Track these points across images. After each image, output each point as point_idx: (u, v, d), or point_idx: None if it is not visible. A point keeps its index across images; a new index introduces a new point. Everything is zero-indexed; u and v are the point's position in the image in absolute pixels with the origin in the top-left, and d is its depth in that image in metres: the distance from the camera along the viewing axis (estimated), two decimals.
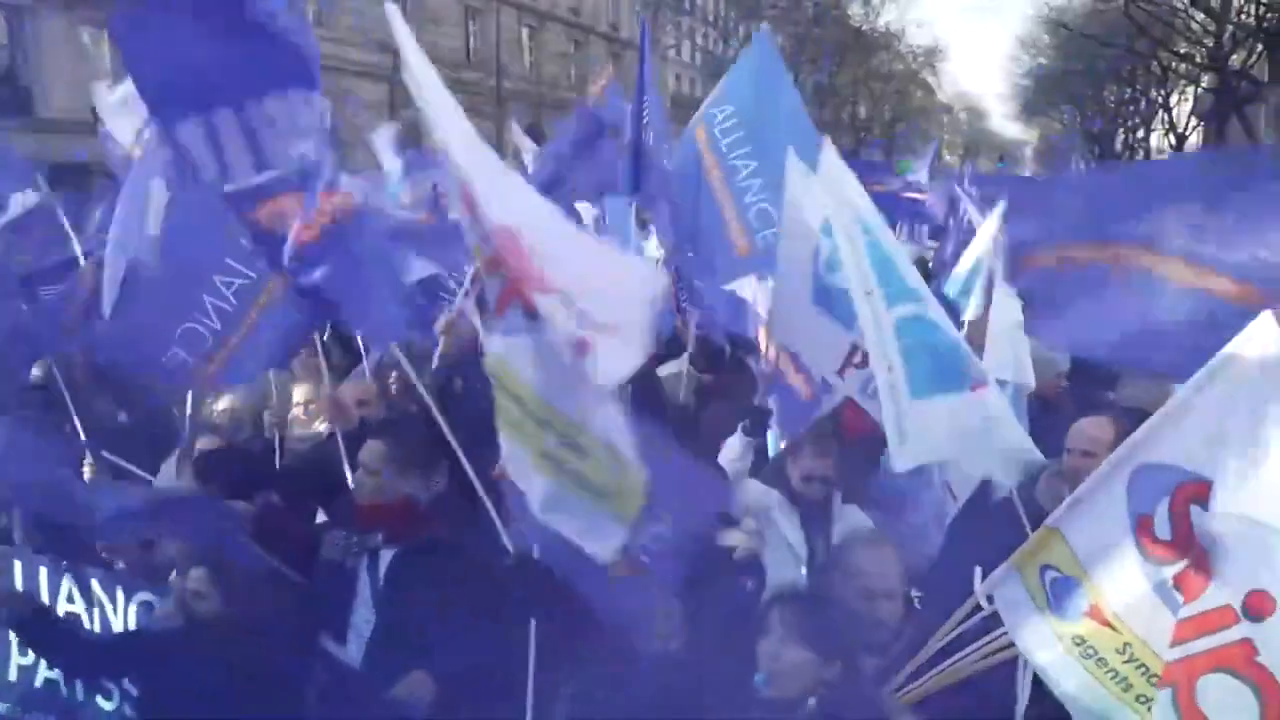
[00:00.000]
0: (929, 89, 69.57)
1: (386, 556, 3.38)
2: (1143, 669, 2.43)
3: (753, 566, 3.59)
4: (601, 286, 2.47)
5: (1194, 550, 2.28)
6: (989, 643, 2.80)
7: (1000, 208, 8.09)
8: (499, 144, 31.89)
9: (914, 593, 3.44)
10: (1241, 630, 2.18)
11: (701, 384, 6.22)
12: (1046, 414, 5.35)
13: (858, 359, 3.74)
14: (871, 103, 57.47)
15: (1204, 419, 2.36)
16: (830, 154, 3.91)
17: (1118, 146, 50.95)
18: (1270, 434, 2.20)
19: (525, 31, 38.26)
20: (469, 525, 3.43)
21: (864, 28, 49.57)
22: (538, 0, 38.55)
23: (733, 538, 3.61)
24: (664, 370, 6.07)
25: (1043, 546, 2.66)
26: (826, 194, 3.68)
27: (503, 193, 2.68)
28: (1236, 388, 2.30)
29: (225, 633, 3.09)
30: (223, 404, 5.16)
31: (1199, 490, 2.32)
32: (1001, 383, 5.05)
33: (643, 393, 4.95)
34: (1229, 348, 2.35)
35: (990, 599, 2.79)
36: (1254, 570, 2.18)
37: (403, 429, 3.96)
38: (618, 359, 2.61)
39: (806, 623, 2.74)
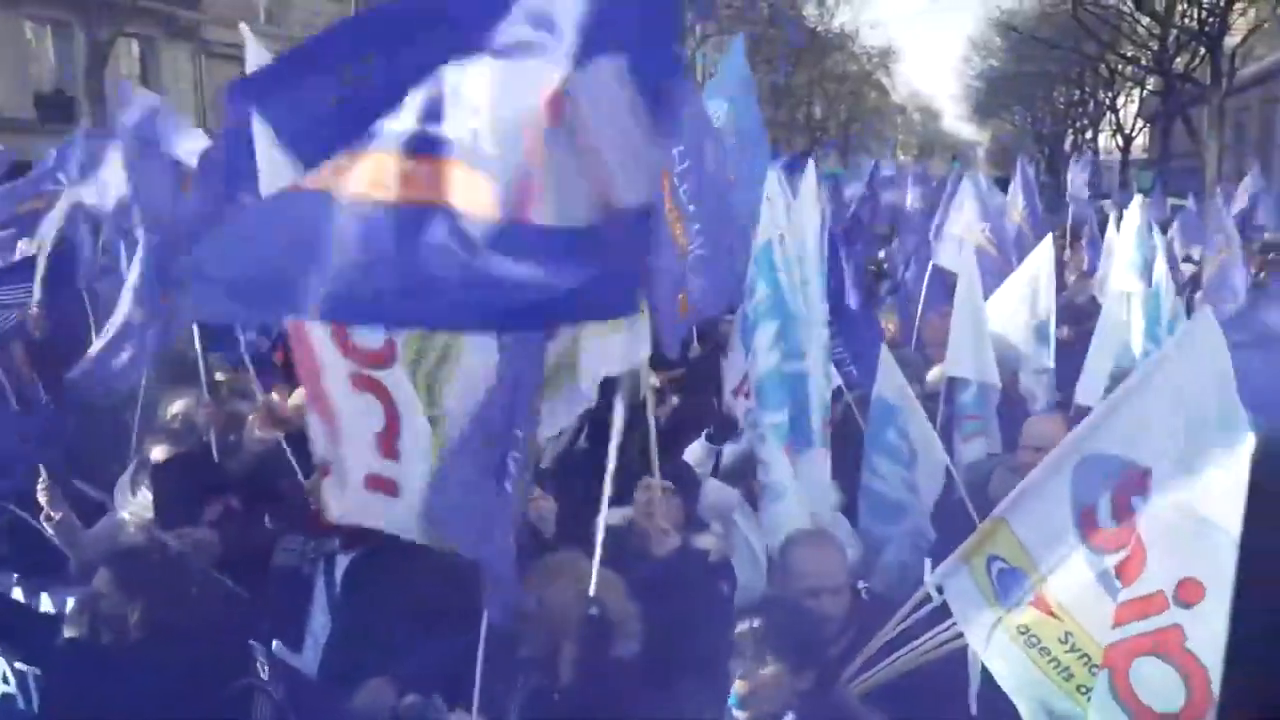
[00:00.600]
0: (883, 90, 70.22)
1: (343, 561, 3.34)
2: (1084, 658, 2.47)
3: (726, 569, 3.59)
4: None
5: (1134, 539, 2.33)
6: (939, 633, 2.83)
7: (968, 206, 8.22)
8: None
9: (861, 584, 3.48)
10: (1172, 616, 2.22)
11: (662, 380, 6.23)
12: (1001, 410, 5.44)
13: (747, 388, 4.04)
14: (827, 103, 57.90)
15: (1145, 411, 2.42)
16: (810, 179, 4.21)
17: (1067, 147, 51.86)
18: (1206, 426, 2.24)
19: None
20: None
21: (819, 29, 49.91)
22: None
23: (705, 541, 3.63)
24: None
25: (990, 538, 2.70)
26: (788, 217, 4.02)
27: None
28: (1176, 380, 2.35)
29: (146, 638, 2.97)
30: (175, 408, 5.05)
31: (1141, 480, 2.37)
32: (964, 382, 5.16)
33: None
34: (1170, 342, 2.42)
35: (940, 590, 2.83)
36: (1186, 558, 2.22)
37: None
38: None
39: (775, 638, 2.70)
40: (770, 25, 46.02)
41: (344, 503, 2.97)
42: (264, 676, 2.85)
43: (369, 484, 2.97)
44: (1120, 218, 9.05)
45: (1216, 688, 2.10)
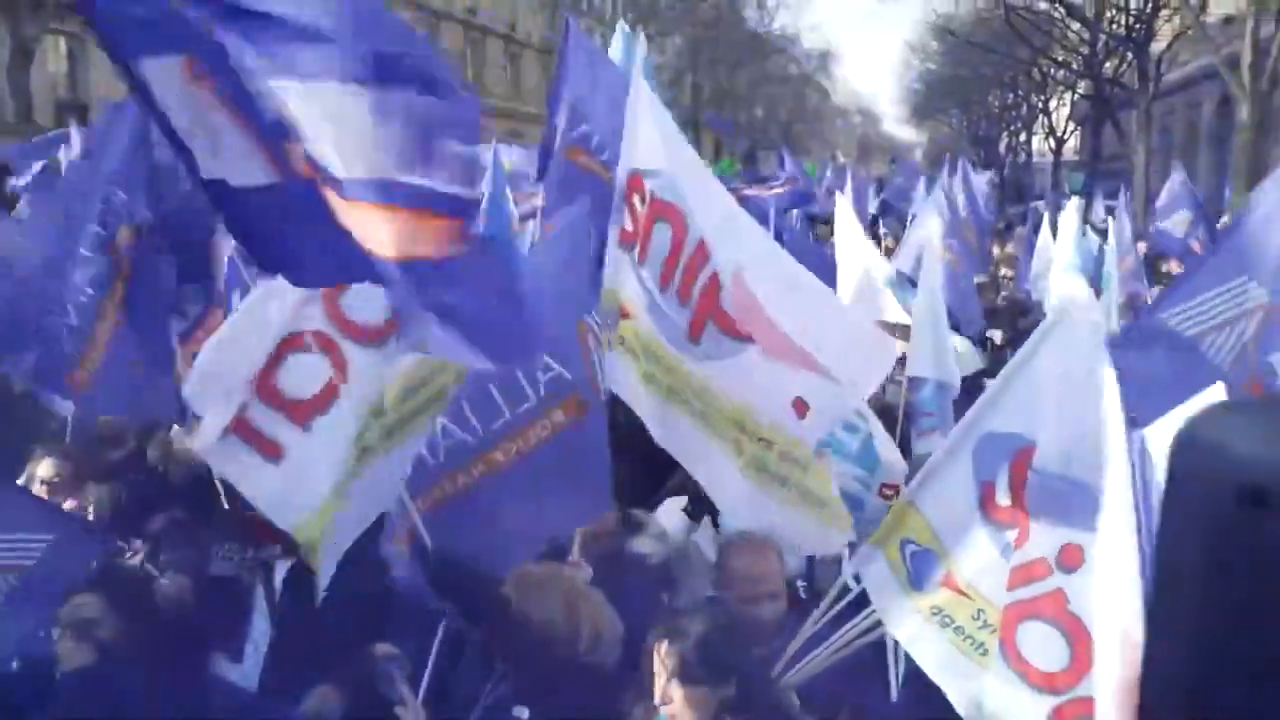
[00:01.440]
0: (824, 92, 71.06)
1: (282, 568, 3.29)
2: (996, 633, 2.49)
3: (666, 574, 3.55)
4: (821, 330, 2.80)
5: (1026, 510, 2.40)
6: (861, 621, 2.83)
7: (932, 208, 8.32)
8: None
9: (800, 581, 3.50)
10: (1055, 581, 2.30)
11: None
12: (959, 404, 5.53)
13: None
14: (768, 105, 58.43)
15: (1030, 386, 2.47)
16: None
17: (1001, 149, 52.93)
18: (1085, 395, 2.28)
19: (420, 31, 37.75)
20: (373, 529, 3.37)
21: (760, 31, 50.33)
22: None
23: (644, 545, 3.60)
24: None
25: (901, 521, 2.72)
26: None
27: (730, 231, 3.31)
28: (1058, 352, 2.42)
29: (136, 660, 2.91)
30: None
31: (1030, 454, 2.41)
32: (923, 380, 5.23)
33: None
34: (1052, 314, 2.48)
35: (858, 578, 2.85)
36: (1067, 524, 2.29)
37: None
38: (830, 400, 3.30)
39: (694, 655, 2.54)
40: (712, 28, 46.29)
41: (207, 436, 2.90)
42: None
43: (242, 432, 2.88)
44: (1054, 218, 9.25)
45: (1099, 648, 2.15)
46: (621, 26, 5.44)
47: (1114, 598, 2.11)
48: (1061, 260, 7.57)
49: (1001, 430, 2.54)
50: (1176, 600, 0.58)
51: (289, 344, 2.93)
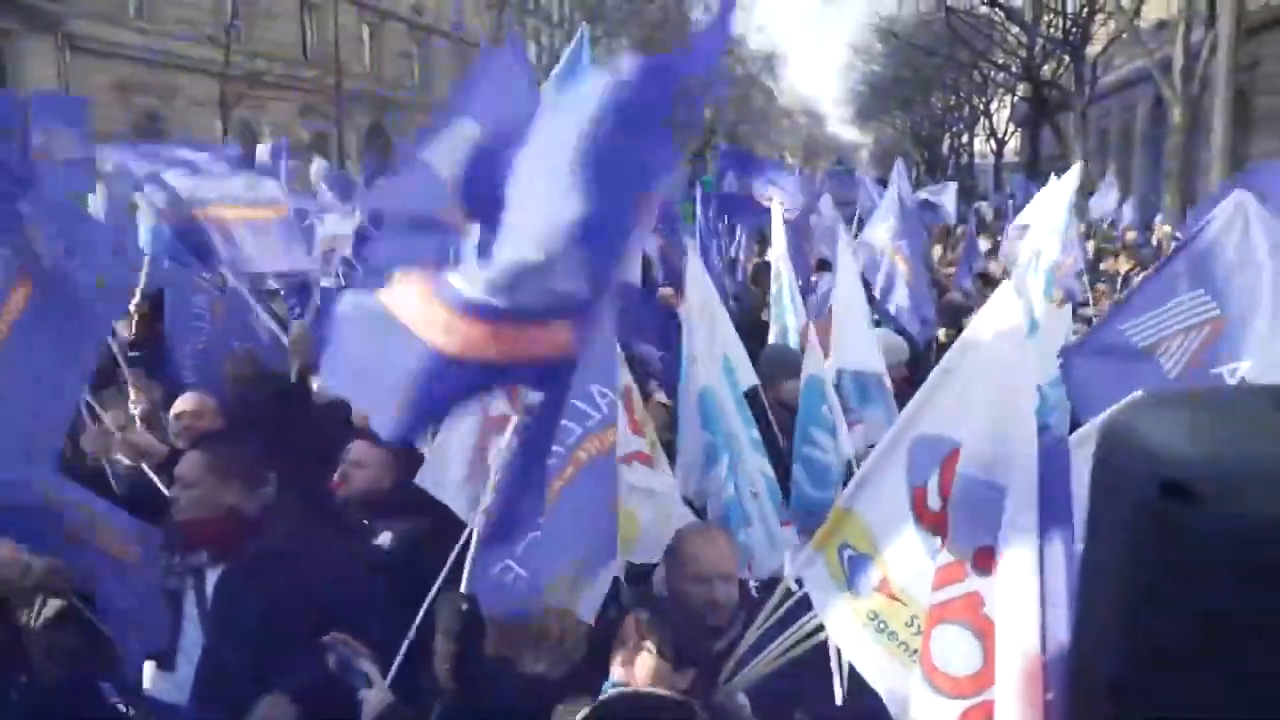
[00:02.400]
0: (769, 93, 71.60)
1: (213, 575, 3.21)
2: None
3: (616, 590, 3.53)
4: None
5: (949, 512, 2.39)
6: (804, 624, 2.83)
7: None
8: (339, 145, 30.95)
9: (752, 581, 3.51)
10: (970, 584, 2.28)
11: None
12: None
13: None
14: (714, 106, 58.72)
15: (958, 389, 2.47)
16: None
17: (944, 150, 53.80)
18: (1006, 398, 2.29)
19: (365, 29, 37.24)
20: (304, 535, 3.31)
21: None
22: None
23: None
24: None
25: (840, 525, 2.72)
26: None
27: None
28: (983, 356, 2.41)
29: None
30: None
31: (957, 457, 2.40)
32: (843, 372, 5.29)
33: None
34: (978, 318, 2.48)
35: (800, 582, 2.85)
36: (983, 528, 2.27)
37: (223, 439, 3.80)
38: None
39: (660, 628, 2.64)
40: (660, 28, 46.40)
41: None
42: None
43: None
44: (995, 218, 9.39)
45: (1011, 651, 2.15)
46: (583, 28, 5.40)
47: (1014, 601, 2.13)
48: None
49: (933, 433, 2.53)
50: (1101, 593, 0.58)
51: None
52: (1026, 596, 2.08)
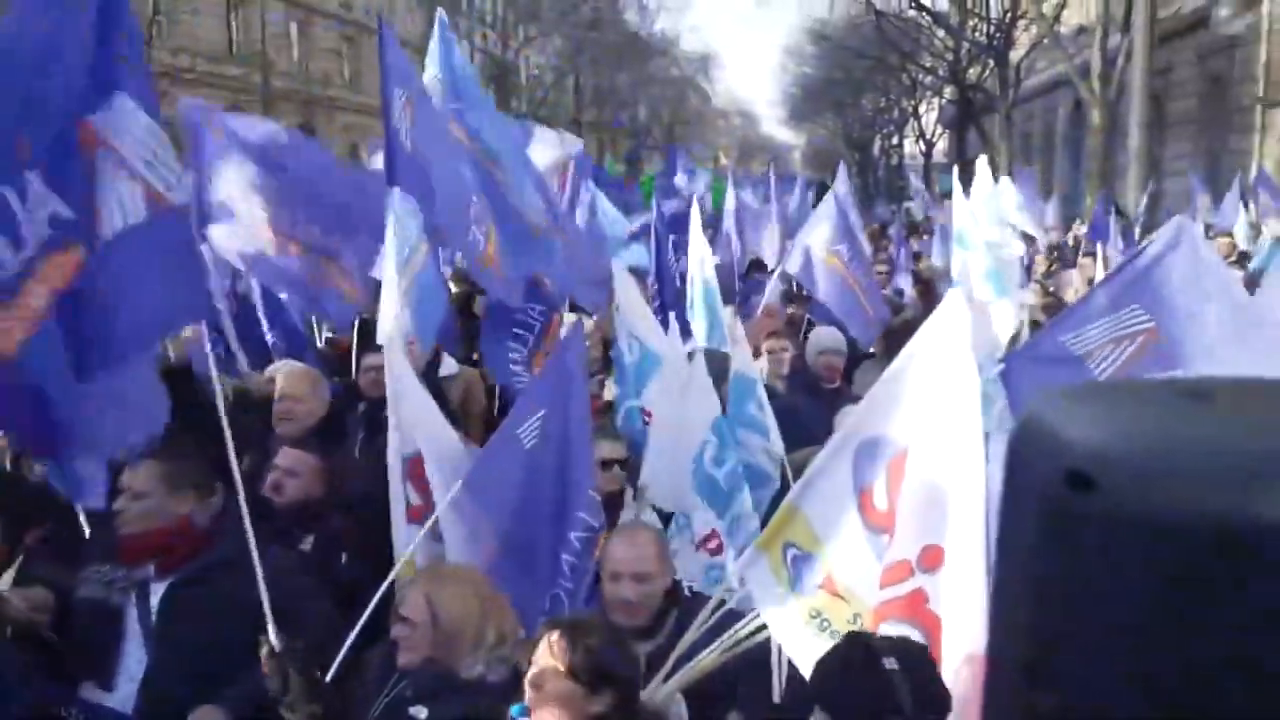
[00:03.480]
0: (704, 94, 71.97)
1: (159, 589, 3.12)
2: None
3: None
4: None
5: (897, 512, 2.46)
6: (747, 624, 2.85)
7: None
8: None
9: (686, 584, 3.53)
10: (916, 581, 2.39)
11: (492, 389, 6.14)
12: (818, 398, 5.65)
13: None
14: (649, 107, 58.85)
15: (903, 393, 2.55)
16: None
17: (875, 151, 54.69)
18: (951, 402, 2.39)
19: (293, 26, 36.52)
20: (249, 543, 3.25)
21: (640, 33, 50.65)
22: None
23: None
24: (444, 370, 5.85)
25: (785, 524, 2.77)
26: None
27: None
28: (930, 360, 2.51)
29: None
30: None
31: (904, 459, 2.50)
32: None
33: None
34: (926, 324, 2.57)
35: (743, 581, 2.89)
36: (929, 527, 2.38)
37: (173, 446, 3.70)
38: None
39: (572, 650, 2.45)
40: (592, 29, 46.36)
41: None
42: None
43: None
44: (925, 218, 9.56)
45: (953, 644, 2.26)
46: (440, 16, 5.40)
47: (961, 595, 2.23)
48: (978, 270, 7.83)
49: (879, 435, 2.59)
50: (1013, 582, 0.60)
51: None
52: (974, 591, 2.14)
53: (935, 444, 2.40)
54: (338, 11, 39.24)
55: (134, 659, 3.06)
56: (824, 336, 6.34)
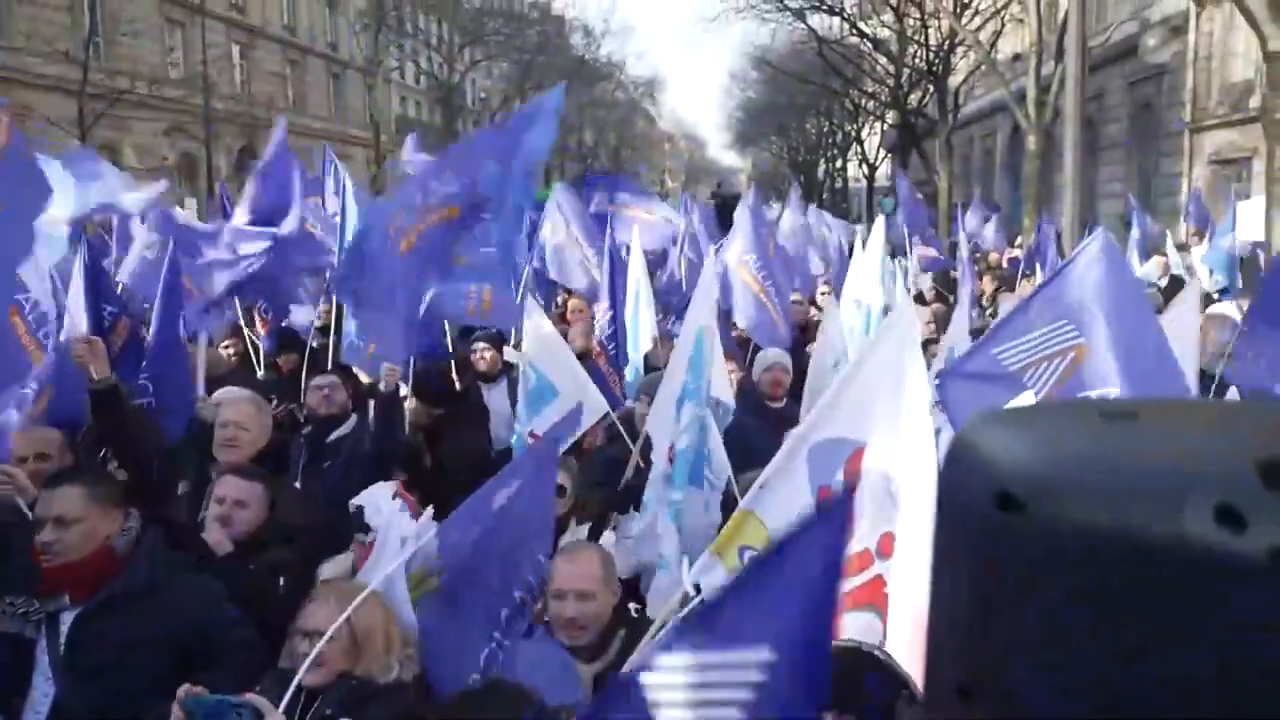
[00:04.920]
0: (650, 118, 72.56)
1: (69, 618, 3.00)
2: None
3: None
4: None
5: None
6: None
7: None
8: (208, 167, 29.87)
9: (633, 606, 3.53)
10: (875, 569, 2.55)
11: (431, 417, 6.08)
12: (763, 417, 5.68)
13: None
14: (597, 130, 59.15)
15: (858, 394, 2.72)
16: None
17: (820, 174, 55.49)
18: (903, 400, 2.58)
19: (235, 48, 36.12)
20: (169, 570, 3.18)
21: (586, 57, 50.95)
22: (248, 15, 36.52)
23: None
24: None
25: (739, 529, 2.85)
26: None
27: None
28: (882, 363, 2.68)
29: None
30: None
31: (861, 456, 2.67)
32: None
33: (386, 417, 4.79)
34: (880, 328, 2.78)
35: (698, 587, 2.90)
36: (884, 517, 2.54)
37: (97, 470, 3.62)
38: None
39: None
40: (540, 53, 46.52)
41: None
42: None
43: None
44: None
45: (902, 612, 2.41)
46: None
47: (909, 574, 2.39)
48: (869, 274, 8.13)
49: (834, 437, 2.74)
50: (945, 600, 0.62)
51: None
52: (921, 570, 2.23)
53: (890, 438, 2.56)
54: (281, 34, 38.93)
55: (41, 693, 2.96)
56: (770, 354, 6.41)
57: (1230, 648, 0.51)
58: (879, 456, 2.59)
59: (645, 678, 1.54)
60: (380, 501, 3.43)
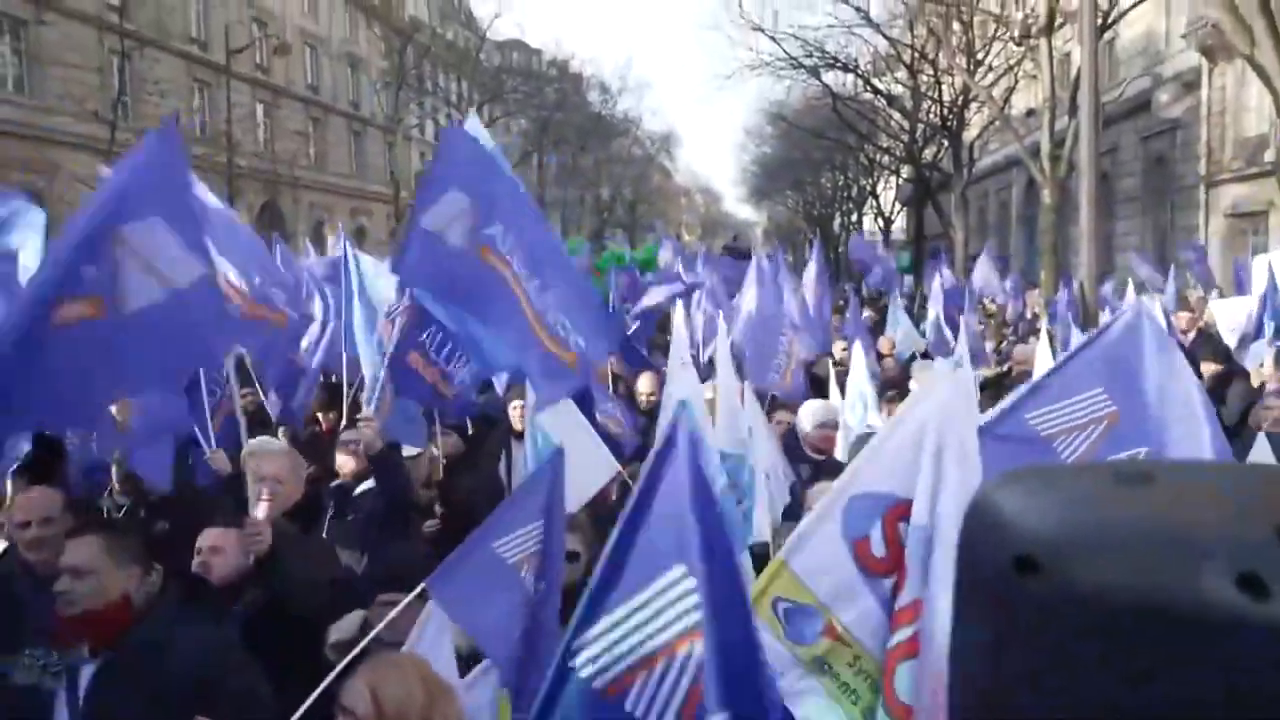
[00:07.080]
0: (666, 173, 73.34)
1: (88, 671, 3.01)
2: (869, 679, 2.75)
3: None
4: None
5: (902, 560, 2.73)
6: None
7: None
8: None
9: None
10: (921, 623, 2.64)
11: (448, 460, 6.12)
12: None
13: None
14: (613, 185, 59.80)
15: (902, 450, 2.82)
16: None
17: (835, 228, 55.74)
18: (948, 458, 2.70)
19: (259, 107, 36.91)
20: (185, 622, 3.17)
21: (603, 113, 51.71)
22: (272, 75, 37.33)
23: None
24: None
25: (773, 580, 2.90)
26: None
27: None
28: (924, 423, 2.80)
29: None
30: None
31: (904, 510, 2.76)
32: (726, 455, 5.37)
33: (385, 473, 4.80)
34: (916, 391, 2.91)
35: None
36: (932, 570, 2.63)
37: (117, 525, 3.63)
38: None
39: None
40: (558, 109, 47.27)
41: None
42: None
43: None
44: (880, 293, 9.81)
45: (930, 671, 2.51)
46: (472, 112, 5.56)
47: (937, 632, 2.48)
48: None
49: (869, 491, 2.83)
50: (966, 662, 0.62)
51: None
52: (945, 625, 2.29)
53: (939, 496, 2.68)
54: (304, 94, 39.74)
55: None
56: (817, 409, 6.35)
57: (1239, 674, 0.52)
58: (928, 512, 2.69)
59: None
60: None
